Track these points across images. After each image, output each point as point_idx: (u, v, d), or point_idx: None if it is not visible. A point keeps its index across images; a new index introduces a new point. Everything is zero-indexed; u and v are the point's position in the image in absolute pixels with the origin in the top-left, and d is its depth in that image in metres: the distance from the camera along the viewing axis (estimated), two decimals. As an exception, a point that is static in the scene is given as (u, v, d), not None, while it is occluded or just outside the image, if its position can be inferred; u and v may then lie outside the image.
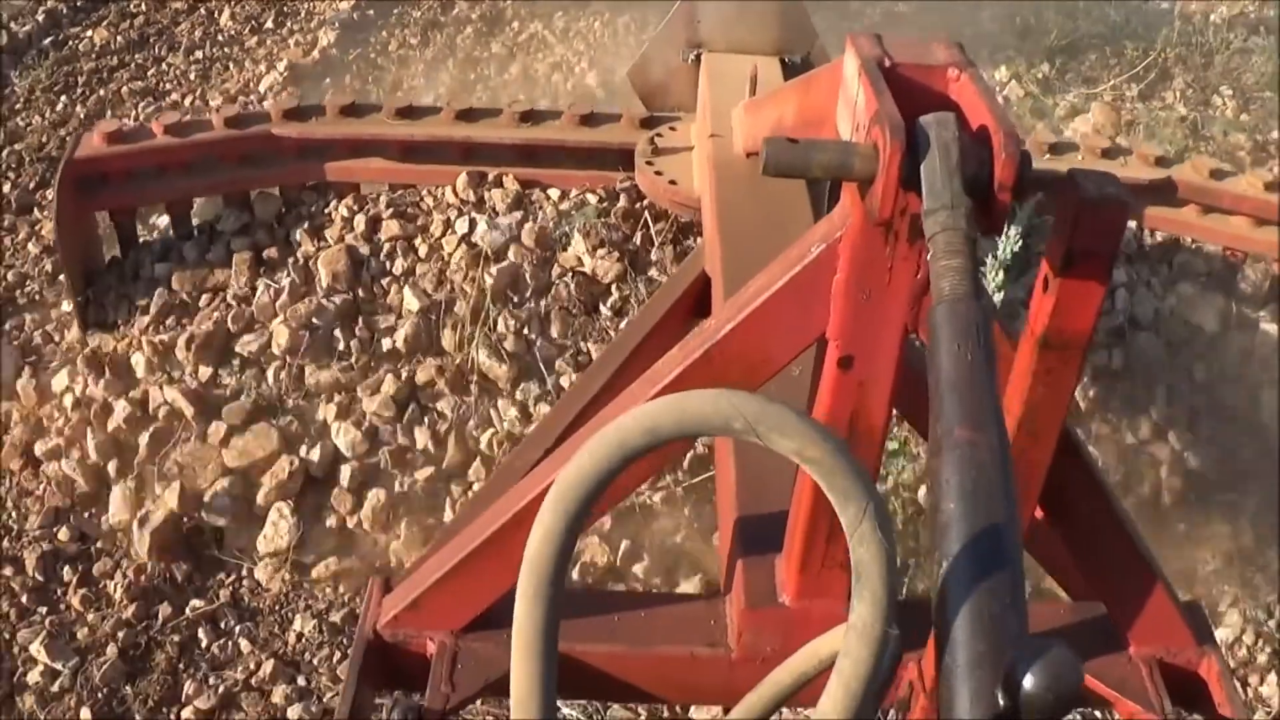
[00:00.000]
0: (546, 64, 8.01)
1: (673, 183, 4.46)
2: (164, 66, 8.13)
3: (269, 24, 8.67)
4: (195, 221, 5.21)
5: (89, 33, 8.44)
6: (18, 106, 7.50)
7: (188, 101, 7.64)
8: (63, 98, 7.64)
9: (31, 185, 6.58)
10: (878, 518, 1.41)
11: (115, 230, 5.21)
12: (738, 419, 1.42)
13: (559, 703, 2.79)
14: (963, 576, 1.36)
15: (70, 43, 8.31)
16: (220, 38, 8.52)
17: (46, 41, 8.27)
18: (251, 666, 4.28)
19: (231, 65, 8.18)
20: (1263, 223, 5.12)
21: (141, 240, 5.25)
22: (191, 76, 8.03)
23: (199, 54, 8.29)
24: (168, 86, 7.90)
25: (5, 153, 6.91)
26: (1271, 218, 5.08)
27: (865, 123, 1.89)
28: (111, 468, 4.65)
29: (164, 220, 5.33)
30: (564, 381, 4.55)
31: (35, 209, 6.37)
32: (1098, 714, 3.85)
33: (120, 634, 4.32)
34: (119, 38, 8.39)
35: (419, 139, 4.99)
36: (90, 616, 4.38)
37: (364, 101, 5.17)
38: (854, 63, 2.03)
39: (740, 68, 4.47)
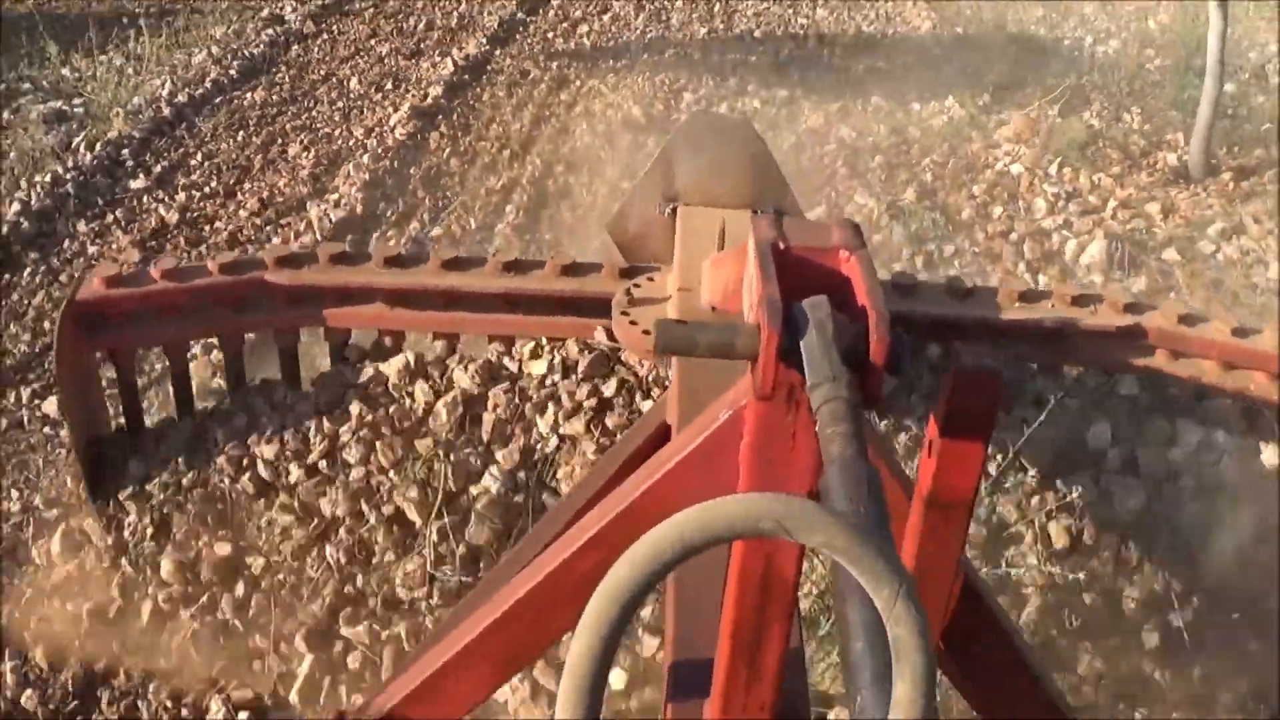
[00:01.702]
0: (600, 104, 10.90)
1: (646, 333, 4.61)
2: (314, 113, 10.94)
3: (389, 86, 11.59)
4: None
5: (249, 94, 11.27)
6: (207, 139, 10.28)
7: (338, 134, 10.41)
8: (240, 132, 10.43)
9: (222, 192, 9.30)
10: (911, 597, 1.45)
11: (117, 376, 5.35)
12: (766, 520, 1.50)
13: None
14: (875, 713, 1.47)
15: (235, 100, 11.13)
16: (352, 95, 11.37)
17: (218, 99, 11.10)
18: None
19: (365, 110, 11.01)
20: (1231, 367, 5.25)
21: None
22: (336, 118, 10.81)
23: (340, 104, 11.16)
24: (319, 125, 10.65)
25: (202, 157, 9.85)
26: (1239, 362, 5.21)
27: (754, 304, 2.06)
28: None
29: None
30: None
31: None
32: None
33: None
34: (274, 95, 11.29)
35: (406, 287, 5.16)
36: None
37: (355, 250, 5.33)
38: (751, 246, 2.20)
39: (712, 221, 4.63)
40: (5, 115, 10.51)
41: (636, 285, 4.94)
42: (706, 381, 3.73)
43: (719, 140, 4.94)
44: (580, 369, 4.98)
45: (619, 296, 4.87)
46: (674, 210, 5.03)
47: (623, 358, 5.03)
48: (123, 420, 5.33)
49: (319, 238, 8.19)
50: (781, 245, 2.17)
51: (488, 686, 2.65)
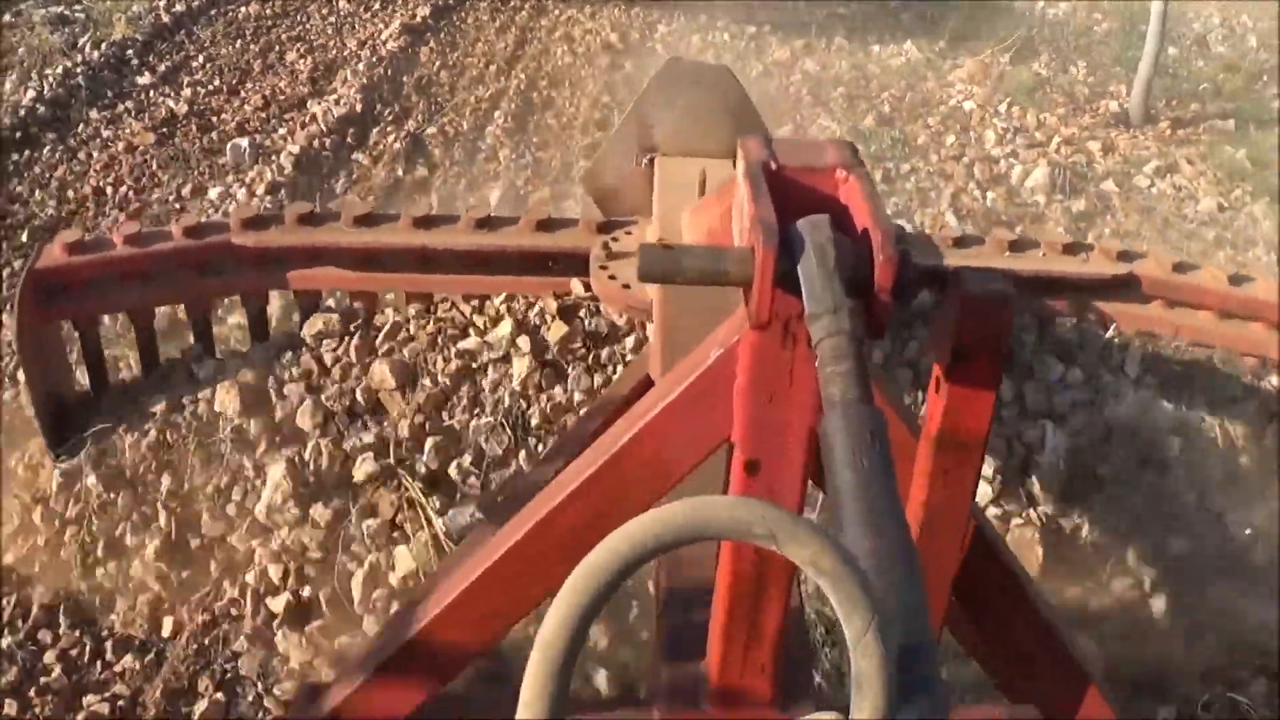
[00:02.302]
0: (579, 30, 11.71)
1: (626, 286, 4.47)
2: (308, 26, 11.70)
3: (377, 6, 12.29)
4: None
5: (243, 8, 12.06)
6: (207, 44, 11.04)
7: (332, 45, 11.10)
8: (238, 40, 11.19)
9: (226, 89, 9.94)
10: (882, 632, 1.41)
11: (81, 344, 5.20)
12: (759, 525, 1.44)
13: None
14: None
15: (230, 12, 11.93)
16: (343, 12, 12.12)
17: (213, 11, 11.93)
18: None
19: (356, 26, 11.75)
20: (1227, 316, 5.13)
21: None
22: (329, 31, 11.54)
23: (332, 19, 11.90)
24: (314, 37, 11.35)
25: (203, 59, 10.62)
26: (1235, 311, 5.09)
27: (745, 228, 1.89)
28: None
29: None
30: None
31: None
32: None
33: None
34: (267, 9, 12.09)
35: (376, 247, 5.00)
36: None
37: (323, 210, 5.18)
38: (741, 167, 2.04)
39: (692, 171, 4.48)
40: (7, 17, 11.29)
41: (614, 239, 4.80)
42: (690, 330, 3.57)
43: (696, 88, 4.77)
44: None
45: (596, 251, 4.73)
46: (651, 161, 4.88)
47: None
48: (86, 382, 5.20)
49: (324, 129, 8.92)
50: (773, 165, 2.00)
51: (472, 648, 2.49)
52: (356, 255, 5.02)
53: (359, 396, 4.77)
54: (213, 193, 8.06)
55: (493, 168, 8.66)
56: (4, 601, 4.50)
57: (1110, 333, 5.19)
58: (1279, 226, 8.35)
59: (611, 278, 4.55)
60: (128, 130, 9.04)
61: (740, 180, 2.03)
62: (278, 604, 4.37)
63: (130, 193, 8.14)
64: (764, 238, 1.78)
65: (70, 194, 7.99)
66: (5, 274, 6.84)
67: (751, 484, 2.13)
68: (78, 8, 11.66)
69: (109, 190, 8.11)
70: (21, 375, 5.06)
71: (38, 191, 8.01)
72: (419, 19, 11.73)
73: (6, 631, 4.42)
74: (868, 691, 1.41)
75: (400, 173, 8.52)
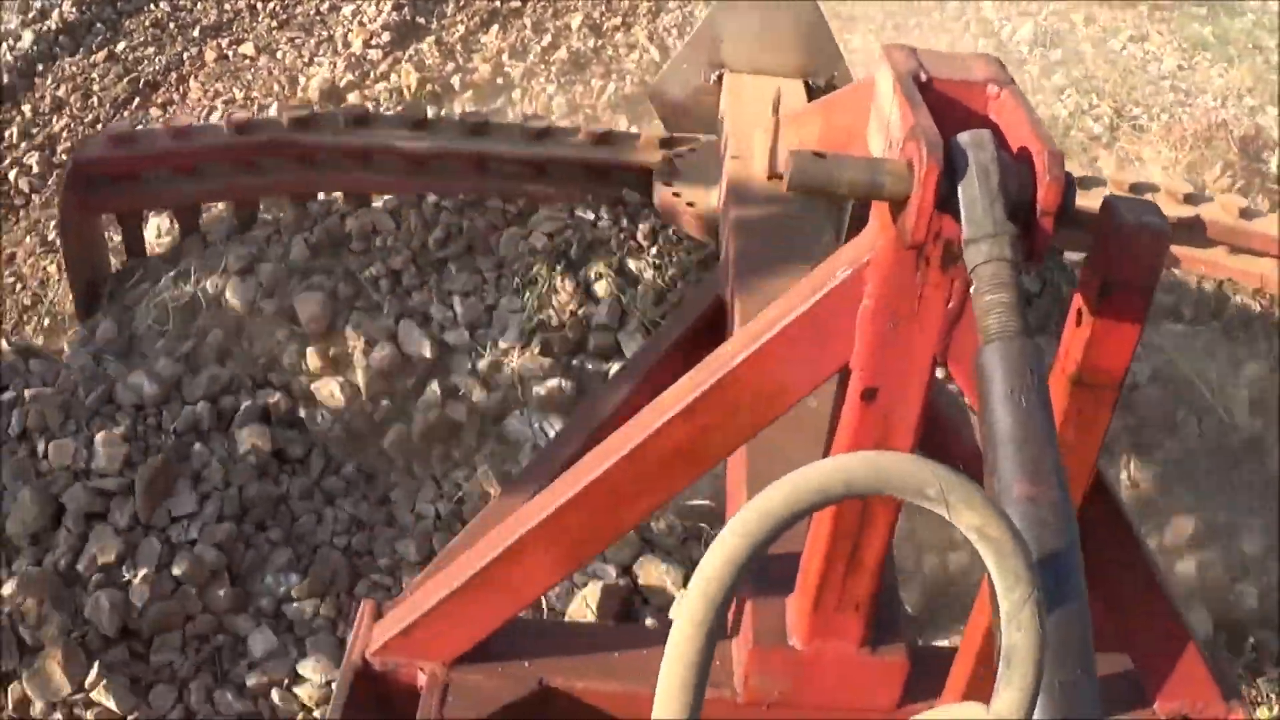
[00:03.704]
0: None
1: (690, 204, 4.36)
2: None
3: None
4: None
5: None
6: None
7: None
8: None
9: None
10: (1040, 608, 1.35)
11: (123, 235, 5.13)
12: (933, 486, 1.39)
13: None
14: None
15: None
16: None
17: None
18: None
19: None
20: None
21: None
22: None
23: None
24: None
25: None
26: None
27: (899, 140, 1.77)
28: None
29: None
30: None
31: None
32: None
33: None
34: None
35: (430, 151, 4.89)
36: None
37: (374, 113, 5.07)
38: (888, 77, 1.91)
39: (763, 89, 4.37)
40: None
41: (678, 155, 4.70)
42: (766, 251, 3.48)
43: (771, 5, 4.65)
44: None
45: (660, 166, 4.63)
46: (719, 78, 4.76)
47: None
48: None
49: None
50: (923, 77, 1.88)
51: (556, 573, 2.39)
52: (408, 160, 4.92)
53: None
54: (347, 9, 9.25)
55: (572, 3, 9.49)
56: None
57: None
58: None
59: (675, 194, 4.45)
60: None
61: (888, 91, 1.90)
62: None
63: (278, 6, 9.31)
64: (927, 151, 1.66)
65: (228, 6, 9.28)
66: (185, 56, 8.49)
67: (868, 412, 2.03)
68: None
69: (259, 4, 9.31)
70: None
71: (199, 3, 9.27)
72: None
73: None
74: (1018, 667, 1.35)
75: (498, 3, 9.42)
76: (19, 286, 5.79)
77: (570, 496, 2.25)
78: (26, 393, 4.23)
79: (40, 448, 4.08)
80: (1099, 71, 9.48)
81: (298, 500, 4.20)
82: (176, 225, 5.24)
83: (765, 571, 2.51)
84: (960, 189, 1.68)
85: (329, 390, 4.40)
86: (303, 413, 4.43)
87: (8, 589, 3.70)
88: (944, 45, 9.18)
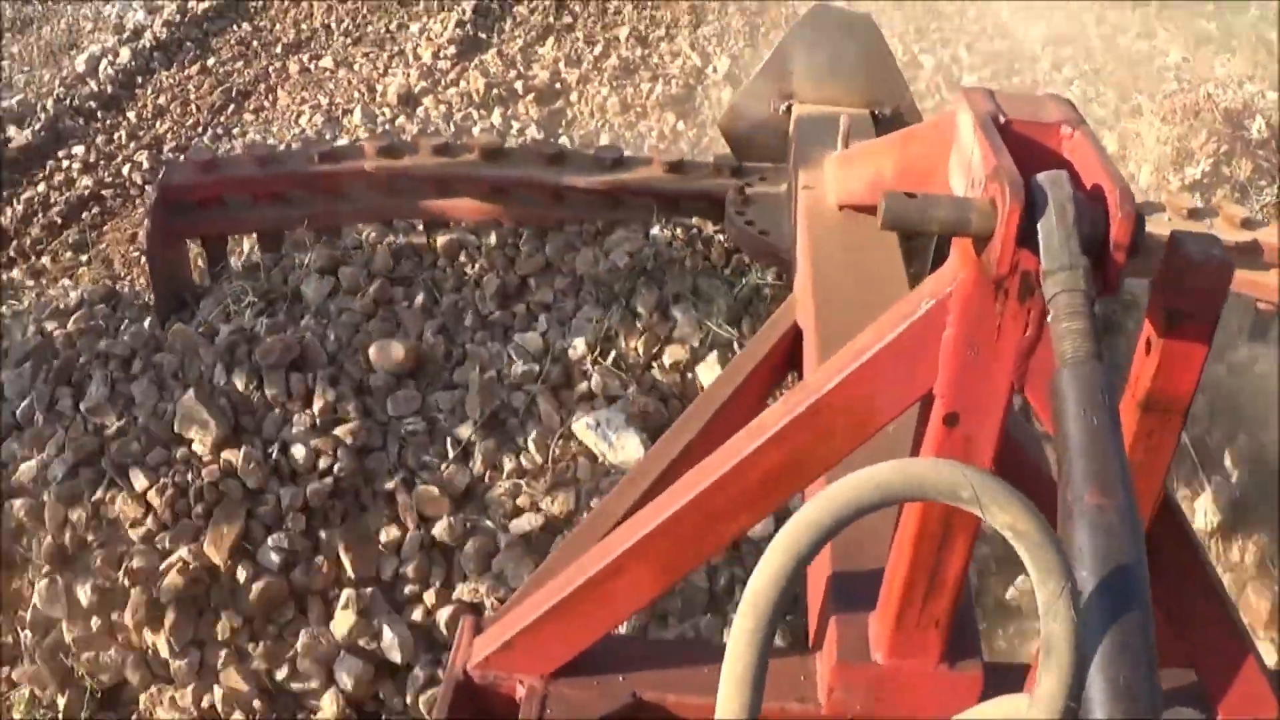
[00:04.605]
0: None
1: (764, 233, 4.46)
2: None
3: None
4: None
5: None
6: None
7: None
8: None
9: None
10: (1074, 598, 1.44)
11: (207, 260, 5.29)
12: (965, 488, 1.51)
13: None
14: (1097, 643, 1.39)
15: None
16: None
17: None
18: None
19: None
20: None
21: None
22: None
23: None
24: None
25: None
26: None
27: (982, 179, 1.88)
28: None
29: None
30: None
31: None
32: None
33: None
34: None
35: (509, 179, 5.02)
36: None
37: (454, 142, 5.20)
38: (969, 118, 2.02)
39: (831, 119, 4.46)
40: None
41: (749, 184, 4.79)
42: (841, 279, 3.57)
43: (839, 37, 4.75)
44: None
45: (732, 195, 4.72)
46: (788, 108, 4.86)
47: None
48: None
49: None
50: (1002, 119, 1.99)
51: (653, 589, 2.50)
52: (487, 187, 5.05)
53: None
54: (414, 27, 10.39)
55: (619, 18, 10.54)
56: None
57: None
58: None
59: (749, 223, 4.54)
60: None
61: (969, 131, 2.01)
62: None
63: (350, 26, 10.47)
64: (1011, 191, 1.77)
65: (304, 26, 10.43)
66: (270, 70, 9.54)
67: (949, 436, 2.13)
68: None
69: (333, 25, 10.47)
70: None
71: (277, 25, 10.45)
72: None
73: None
74: (1055, 656, 1.44)
75: (551, 19, 10.46)
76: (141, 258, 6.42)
77: (668, 517, 2.36)
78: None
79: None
80: (1106, 65, 10.18)
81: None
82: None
83: (848, 589, 2.61)
84: (1039, 225, 1.78)
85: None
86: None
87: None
88: (963, 44, 10.30)
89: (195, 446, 4.31)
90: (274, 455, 4.29)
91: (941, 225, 1.85)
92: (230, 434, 4.33)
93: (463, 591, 4.17)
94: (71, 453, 4.35)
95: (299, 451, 4.31)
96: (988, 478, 1.54)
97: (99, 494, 4.26)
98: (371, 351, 4.58)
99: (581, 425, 4.43)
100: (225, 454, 4.28)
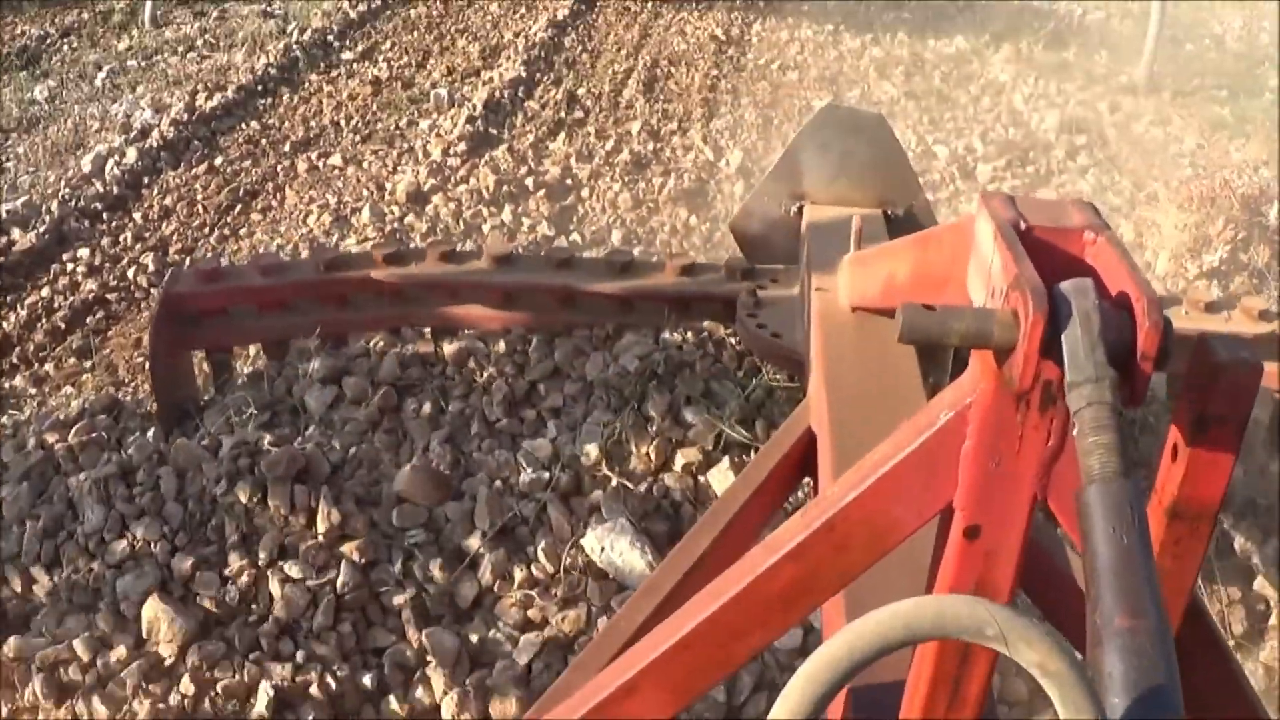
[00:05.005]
0: (690, 28, 14.28)
1: (775, 335, 4.42)
2: (469, 22, 14.65)
3: (523, 10, 15.07)
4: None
5: (412, 10, 15.17)
6: (390, 34, 14.06)
7: (493, 35, 13.98)
8: (414, 31, 14.20)
9: (414, 64, 12.84)
10: None
11: (211, 370, 5.26)
12: (991, 626, 1.48)
13: None
14: None
15: (402, 13, 15.04)
16: (494, 15, 14.97)
17: (388, 12, 15.02)
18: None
19: (508, 22, 14.58)
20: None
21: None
22: (488, 26, 14.47)
23: (489, 19, 14.81)
24: (476, 29, 14.31)
25: (390, 44, 13.66)
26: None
27: (1003, 288, 1.83)
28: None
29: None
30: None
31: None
32: None
33: None
34: (433, 10, 15.17)
35: (519, 285, 4.99)
36: None
37: (463, 250, 5.19)
38: (988, 225, 1.97)
39: (843, 220, 4.43)
40: (217, 11, 15.13)
41: (761, 286, 4.76)
42: (855, 383, 3.52)
43: (850, 137, 4.73)
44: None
45: (744, 298, 4.69)
46: (800, 209, 4.83)
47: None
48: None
49: (500, 86, 11.36)
50: (1023, 225, 1.94)
51: (668, 709, 2.43)
52: (498, 294, 5.03)
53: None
54: (424, 124, 10.70)
55: (630, 113, 10.98)
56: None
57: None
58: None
59: (760, 326, 4.50)
60: (345, 86, 11.82)
61: (988, 238, 1.96)
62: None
63: (360, 124, 10.76)
64: (1034, 302, 1.71)
65: (313, 124, 10.73)
66: (278, 168, 9.68)
67: (970, 549, 2.06)
68: (277, 4, 15.17)
69: (342, 123, 10.76)
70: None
71: (286, 123, 10.76)
72: (560, 16, 14.45)
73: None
74: None
75: (563, 114, 10.85)
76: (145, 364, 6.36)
77: (682, 636, 2.29)
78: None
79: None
80: (1121, 152, 10.29)
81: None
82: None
83: (869, 700, 2.54)
84: (1064, 336, 1.73)
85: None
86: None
87: None
88: (977, 134, 10.54)
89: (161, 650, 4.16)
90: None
91: (962, 338, 1.80)
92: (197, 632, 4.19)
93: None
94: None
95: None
96: (1013, 616, 1.50)
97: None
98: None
99: (591, 539, 4.37)
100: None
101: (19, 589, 4.36)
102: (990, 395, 1.91)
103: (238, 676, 3.99)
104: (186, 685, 3.95)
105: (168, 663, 4.05)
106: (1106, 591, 1.52)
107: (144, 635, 4.10)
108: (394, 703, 4.05)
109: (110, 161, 9.52)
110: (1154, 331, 1.71)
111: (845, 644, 1.47)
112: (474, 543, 4.37)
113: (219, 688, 3.95)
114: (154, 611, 4.11)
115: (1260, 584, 4.75)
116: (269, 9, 15.02)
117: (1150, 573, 1.55)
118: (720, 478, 4.51)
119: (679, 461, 4.59)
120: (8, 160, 10.00)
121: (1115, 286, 1.83)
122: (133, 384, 6.50)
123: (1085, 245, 1.95)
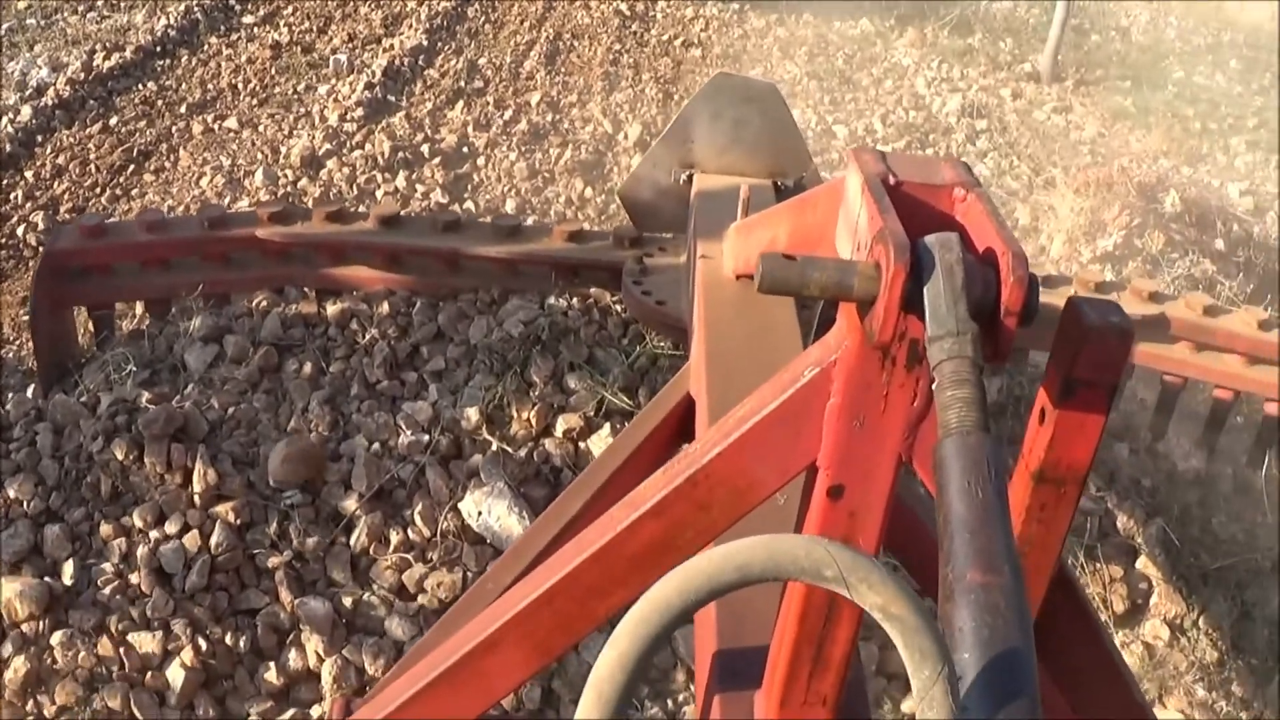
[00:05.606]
0: (595, 1, 13.70)
1: (660, 303, 4.39)
2: None
3: None
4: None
5: None
6: (288, 10, 12.71)
7: (396, 3, 13.00)
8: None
9: (315, 29, 12.17)
10: (951, 683, 1.37)
11: (93, 327, 5.16)
12: (830, 567, 1.43)
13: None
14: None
15: None
16: None
17: None
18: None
19: None
20: (1256, 361, 5.06)
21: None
22: None
23: None
24: None
25: (293, 9, 12.74)
26: (1267, 356, 5.03)
27: (867, 241, 1.80)
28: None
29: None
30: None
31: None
32: None
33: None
34: None
35: (404, 247, 4.93)
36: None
37: (350, 209, 5.12)
38: (857, 179, 1.95)
39: (732, 189, 4.40)
40: None
41: (648, 254, 4.73)
42: (735, 350, 3.49)
43: (742, 106, 4.69)
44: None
45: (630, 265, 4.66)
46: (689, 178, 4.80)
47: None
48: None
49: (400, 54, 11.07)
50: (891, 180, 1.91)
51: (524, 671, 2.40)
52: (384, 255, 4.96)
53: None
54: (322, 89, 10.48)
55: (531, 84, 10.83)
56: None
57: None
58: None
59: (646, 293, 4.47)
60: (245, 50, 11.40)
61: (857, 193, 1.94)
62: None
63: (258, 87, 10.51)
64: (895, 253, 1.69)
65: (210, 87, 10.44)
66: (174, 130, 9.43)
67: (834, 509, 2.04)
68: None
69: (240, 86, 10.48)
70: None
71: (183, 85, 10.45)
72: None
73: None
74: None
75: (462, 83, 10.68)
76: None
77: (543, 592, 2.26)
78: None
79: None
80: (1021, 138, 10.52)
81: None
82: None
83: (734, 665, 2.52)
84: (926, 289, 1.71)
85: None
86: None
87: None
88: (877, 116, 10.70)
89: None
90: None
91: (822, 289, 1.77)
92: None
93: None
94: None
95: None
96: (856, 555, 1.46)
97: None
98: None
99: (469, 503, 4.33)
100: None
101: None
102: (854, 352, 1.89)
103: (106, 640, 3.93)
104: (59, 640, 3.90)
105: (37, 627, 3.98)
106: (960, 546, 1.48)
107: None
108: (272, 669, 4.02)
109: (4, 119, 9.29)
110: (1018, 287, 1.70)
111: (676, 585, 1.43)
112: (350, 504, 4.32)
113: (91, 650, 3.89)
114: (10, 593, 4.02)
115: (1143, 563, 4.79)
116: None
117: (1006, 529, 1.51)
118: (601, 444, 4.48)
119: (560, 427, 4.55)
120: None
121: (983, 243, 1.82)
122: (17, 342, 6.37)
123: (955, 202, 1.93)
